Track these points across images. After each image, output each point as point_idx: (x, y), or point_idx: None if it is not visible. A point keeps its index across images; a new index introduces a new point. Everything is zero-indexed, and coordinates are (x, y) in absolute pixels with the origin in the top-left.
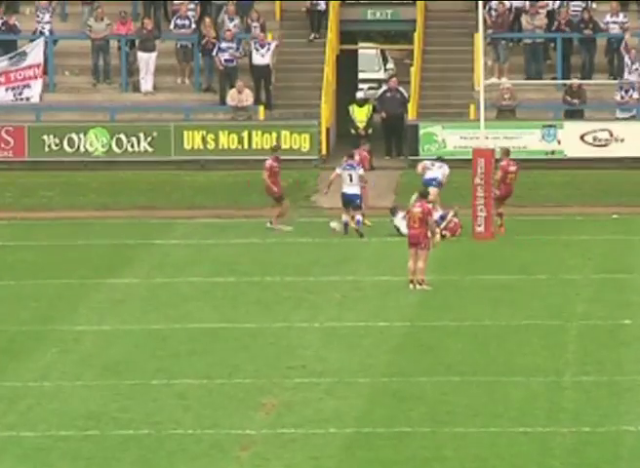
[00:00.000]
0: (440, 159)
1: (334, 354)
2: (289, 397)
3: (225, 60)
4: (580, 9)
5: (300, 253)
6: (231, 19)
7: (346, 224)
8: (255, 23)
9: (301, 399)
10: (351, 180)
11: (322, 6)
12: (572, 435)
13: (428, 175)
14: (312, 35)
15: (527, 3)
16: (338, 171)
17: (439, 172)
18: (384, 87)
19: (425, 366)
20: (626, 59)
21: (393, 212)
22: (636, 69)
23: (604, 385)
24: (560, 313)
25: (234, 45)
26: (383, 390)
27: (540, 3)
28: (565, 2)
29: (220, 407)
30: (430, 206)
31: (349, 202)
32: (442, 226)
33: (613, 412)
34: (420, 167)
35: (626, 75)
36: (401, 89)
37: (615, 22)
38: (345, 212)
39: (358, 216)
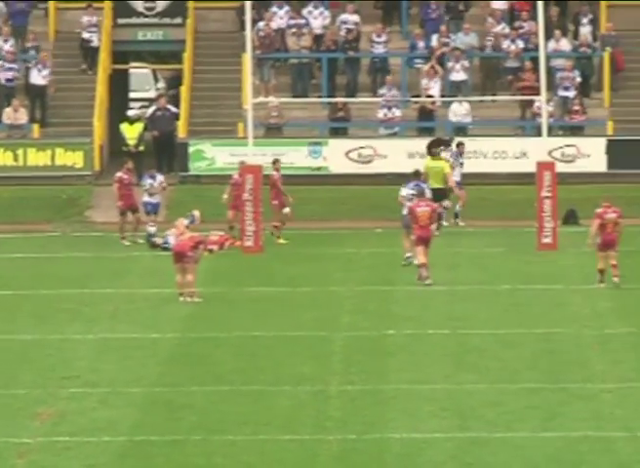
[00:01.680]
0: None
1: (107, 365)
2: (64, 406)
3: (6, 80)
4: (346, 30)
5: (76, 266)
6: (6, 41)
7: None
8: (30, 44)
9: (76, 408)
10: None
11: (95, 43)
12: (338, 442)
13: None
14: (90, 71)
15: (292, 23)
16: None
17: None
18: (154, 106)
19: (196, 376)
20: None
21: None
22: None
23: (369, 394)
24: (326, 324)
25: (15, 66)
26: (156, 400)
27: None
28: (332, 23)
29: None
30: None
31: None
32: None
33: (378, 420)
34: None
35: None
36: (171, 107)
37: (379, 43)
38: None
39: (151, 227)
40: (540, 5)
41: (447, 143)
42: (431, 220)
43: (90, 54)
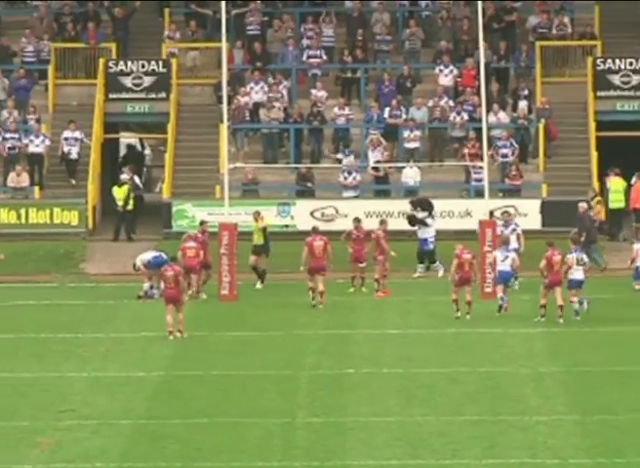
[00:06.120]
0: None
1: (99, 399)
2: (60, 436)
3: (9, 148)
4: (312, 103)
5: (70, 312)
6: (10, 113)
7: None
8: (31, 116)
9: (72, 438)
10: None
11: (74, 155)
12: None
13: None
14: (73, 181)
15: (265, 98)
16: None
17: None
18: (122, 174)
19: (178, 409)
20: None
21: None
22: (346, 155)
23: (331, 425)
24: (292, 364)
25: (16, 135)
26: (142, 430)
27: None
28: (300, 97)
29: (0, 446)
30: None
31: None
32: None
33: (339, 449)
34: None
35: (345, 161)
36: (136, 178)
37: (341, 116)
38: None
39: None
40: (482, 82)
41: (427, 205)
42: (325, 252)
43: (69, 165)
